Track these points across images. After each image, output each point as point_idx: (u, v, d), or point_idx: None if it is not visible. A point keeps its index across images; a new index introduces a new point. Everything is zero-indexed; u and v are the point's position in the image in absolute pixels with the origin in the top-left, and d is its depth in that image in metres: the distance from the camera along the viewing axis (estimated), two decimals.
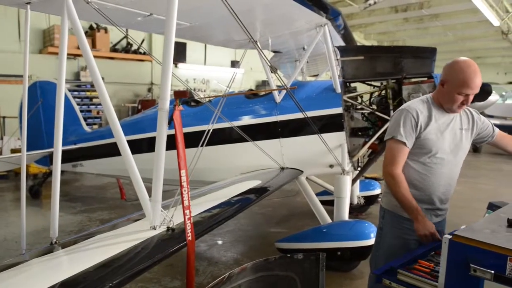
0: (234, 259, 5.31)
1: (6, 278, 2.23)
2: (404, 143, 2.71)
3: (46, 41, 11.63)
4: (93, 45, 12.12)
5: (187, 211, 2.64)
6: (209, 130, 3.54)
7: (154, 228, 2.75)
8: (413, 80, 5.15)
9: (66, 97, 7.23)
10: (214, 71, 15.92)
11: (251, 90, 6.83)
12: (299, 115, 4.95)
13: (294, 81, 5.77)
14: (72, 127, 7.31)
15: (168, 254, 2.47)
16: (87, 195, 8.78)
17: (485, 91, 4.84)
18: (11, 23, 11.06)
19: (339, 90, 5.22)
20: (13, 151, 9.59)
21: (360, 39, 19.02)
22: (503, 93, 19.10)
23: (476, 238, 1.89)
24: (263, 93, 5.97)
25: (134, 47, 13.11)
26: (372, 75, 5.39)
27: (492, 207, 3.49)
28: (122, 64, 13.41)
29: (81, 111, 9.05)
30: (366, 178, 7.96)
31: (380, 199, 3.14)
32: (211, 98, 5.93)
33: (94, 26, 12.35)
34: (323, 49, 5.41)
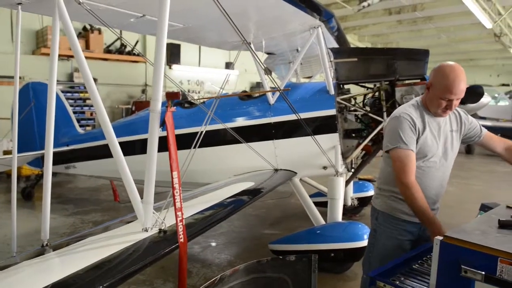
0: (228, 261, 5.30)
1: None
2: (409, 149, 2.68)
3: (39, 42, 11.56)
4: (87, 46, 12.07)
5: (179, 213, 2.63)
6: (202, 132, 3.53)
7: (146, 230, 2.74)
8: (406, 82, 5.17)
9: (59, 98, 7.27)
10: (208, 72, 15.89)
11: (245, 91, 6.83)
12: (292, 117, 4.96)
13: (288, 82, 5.79)
14: (65, 129, 7.28)
15: (159, 256, 2.45)
16: (80, 197, 8.73)
17: (477, 93, 4.89)
18: (3, 23, 10.98)
19: (332, 91, 5.24)
20: (5, 152, 9.51)
21: (354, 41, 19.06)
22: (496, 95, 19.25)
23: (467, 239, 1.89)
24: (257, 94, 5.98)
25: (128, 48, 13.06)
26: (365, 77, 5.40)
27: (485, 208, 3.50)
28: (116, 66, 13.35)
29: (74, 112, 9.00)
30: (360, 179, 7.98)
31: (372, 200, 3.13)
32: (204, 100, 5.92)
33: (88, 27, 12.29)
34: (316, 51, 5.43)
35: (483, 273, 1.79)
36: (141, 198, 2.80)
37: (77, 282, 2.08)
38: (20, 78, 4.51)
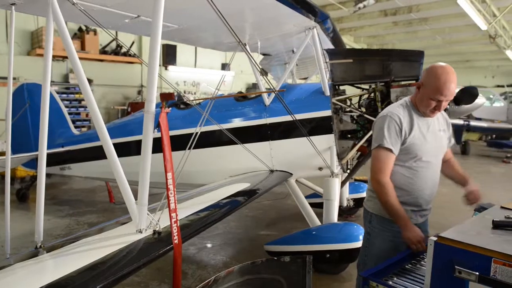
0: (223, 262, 5.28)
1: None
2: (391, 150, 2.71)
3: (34, 43, 11.50)
4: (82, 47, 12.02)
5: (173, 214, 2.62)
6: (197, 133, 3.52)
7: (140, 232, 2.73)
8: (401, 83, 5.18)
9: (54, 99, 7.24)
10: (204, 73, 15.87)
11: (240, 92, 6.83)
12: (288, 118, 4.96)
13: (283, 83, 5.78)
14: (60, 130, 7.25)
15: (153, 258, 2.44)
16: (75, 198, 8.68)
17: (471, 94, 4.90)
18: None
19: (328, 92, 5.25)
20: (0, 154, 9.46)
21: (350, 42, 19.09)
22: (491, 96, 19.34)
23: (461, 240, 1.90)
24: (252, 95, 5.97)
25: (124, 49, 13.02)
26: (360, 78, 5.40)
27: (480, 208, 3.51)
28: (112, 67, 13.31)
29: (70, 113, 8.96)
30: (356, 180, 7.98)
31: (364, 203, 3.12)
32: (200, 101, 5.91)
33: (83, 28, 12.25)
34: (312, 52, 5.43)
35: (477, 273, 1.79)
36: (136, 199, 2.79)
37: (70, 283, 2.07)
38: (15, 79, 4.48)
